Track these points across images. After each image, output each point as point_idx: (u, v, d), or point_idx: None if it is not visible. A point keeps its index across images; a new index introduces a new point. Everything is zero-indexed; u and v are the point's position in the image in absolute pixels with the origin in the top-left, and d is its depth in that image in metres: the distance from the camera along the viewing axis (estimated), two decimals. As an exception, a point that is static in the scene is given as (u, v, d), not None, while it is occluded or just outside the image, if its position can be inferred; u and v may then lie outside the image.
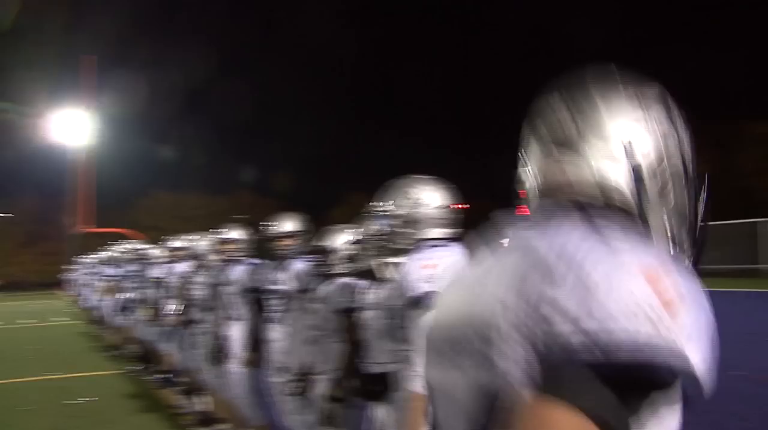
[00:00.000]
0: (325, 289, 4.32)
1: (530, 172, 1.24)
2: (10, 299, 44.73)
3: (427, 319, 2.07)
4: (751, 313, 15.92)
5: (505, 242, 1.11)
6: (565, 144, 1.17)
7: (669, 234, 1.14)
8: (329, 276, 4.38)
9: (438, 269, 2.59)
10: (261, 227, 5.09)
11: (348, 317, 4.03)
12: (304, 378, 4.47)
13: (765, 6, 69.78)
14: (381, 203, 2.97)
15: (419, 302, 2.57)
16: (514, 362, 0.88)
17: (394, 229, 2.90)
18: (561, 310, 0.85)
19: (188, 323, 7.03)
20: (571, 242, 0.94)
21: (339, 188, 65.51)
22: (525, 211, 1.23)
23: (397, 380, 2.76)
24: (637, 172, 1.12)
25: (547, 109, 1.23)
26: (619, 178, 1.12)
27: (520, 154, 1.30)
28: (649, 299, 0.84)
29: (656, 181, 1.13)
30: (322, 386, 4.18)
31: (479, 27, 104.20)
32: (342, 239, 4.42)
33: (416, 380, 2.43)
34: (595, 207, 1.08)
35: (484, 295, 1.01)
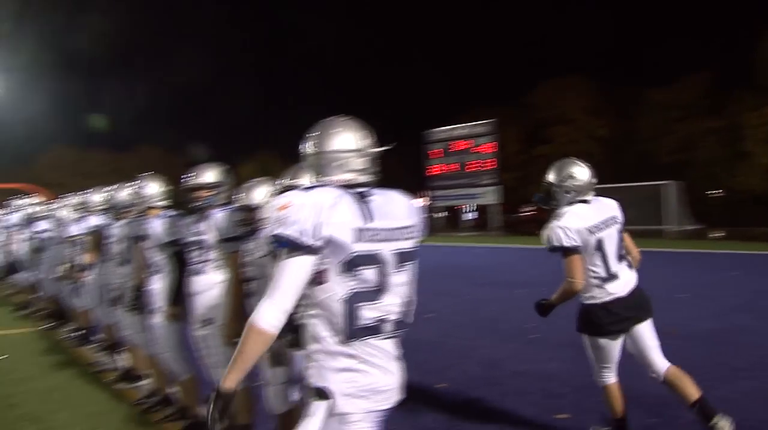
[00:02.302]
0: (255, 242, 4.32)
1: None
2: None
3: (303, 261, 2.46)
4: (656, 272, 16.59)
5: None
6: None
7: None
8: (255, 230, 4.39)
9: (289, 211, 2.48)
10: (181, 179, 5.03)
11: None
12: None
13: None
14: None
15: (274, 244, 2.52)
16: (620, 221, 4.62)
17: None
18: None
19: (105, 277, 6.93)
20: None
21: (248, 146, 64.94)
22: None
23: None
24: None
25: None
26: None
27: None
28: None
29: None
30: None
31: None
32: (263, 193, 4.42)
33: (265, 316, 2.44)
34: None
35: (611, 207, 4.65)
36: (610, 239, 4.50)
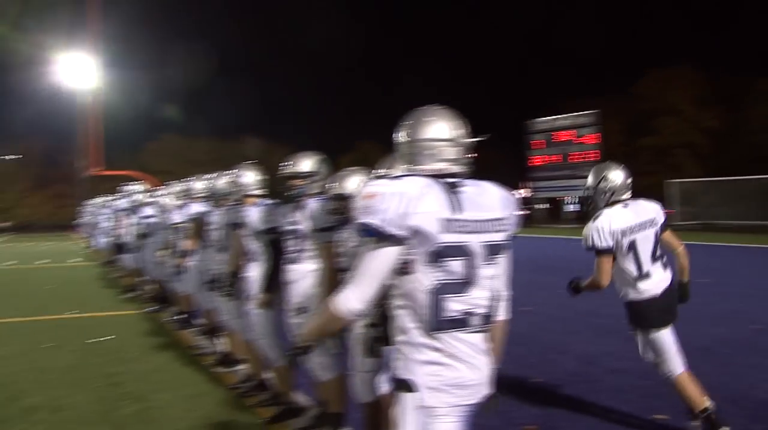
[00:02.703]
0: (348, 231, 4.30)
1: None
2: (22, 240, 45.05)
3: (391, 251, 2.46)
4: (765, 268, 15.98)
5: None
6: None
7: None
8: (348, 220, 4.36)
9: (375, 200, 2.47)
10: (279, 168, 5.08)
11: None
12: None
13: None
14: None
15: (359, 233, 2.52)
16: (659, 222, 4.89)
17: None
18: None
19: (206, 263, 7.09)
20: None
21: (350, 136, 65.52)
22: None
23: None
24: None
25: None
26: None
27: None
28: None
29: None
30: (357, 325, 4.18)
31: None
32: (356, 182, 4.40)
33: (346, 302, 2.49)
34: None
35: (649, 210, 4.92)
36: (645, 240, 4.81)
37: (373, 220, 2.44)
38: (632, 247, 4.78)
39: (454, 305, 2.50)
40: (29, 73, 53.19)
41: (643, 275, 4.77)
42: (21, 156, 74.29)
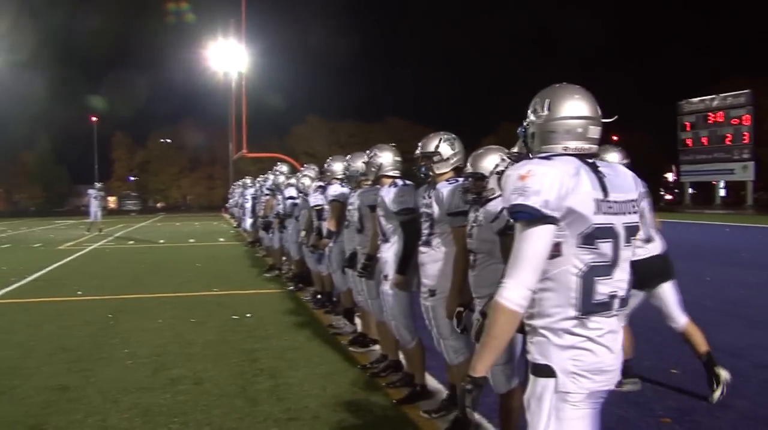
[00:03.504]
0: (480, 212, 4.23)
1: None
2: (174, 219, 47.28)
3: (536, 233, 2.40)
4: None
5: None
6: None
7: None
8: (482, 201, 4.29)
9: (530, 180, 2.37)
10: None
11: (506, 238, 3.89)
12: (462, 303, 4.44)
13: None
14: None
15: (513, 216, 2.41)
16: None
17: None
18: None
19: (345, 244, 7.17)
20: None
21: (496, 117, 65.08)
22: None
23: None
24: None
25: None
26: None
27: None
28: None
29: None
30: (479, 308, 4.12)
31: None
32: (493, 161, 4.30)
33: (511, 296, 2.36)
34: None
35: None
36: (648, 208, 5.61)
37: (529, 201, 2.37)
38: (641, 215, 5.38)
39: (603, 288, 2.45)
40: (183, 61, 55.71)
41: (648, 239, 5.57)
42: (170, 141, 78.07)
